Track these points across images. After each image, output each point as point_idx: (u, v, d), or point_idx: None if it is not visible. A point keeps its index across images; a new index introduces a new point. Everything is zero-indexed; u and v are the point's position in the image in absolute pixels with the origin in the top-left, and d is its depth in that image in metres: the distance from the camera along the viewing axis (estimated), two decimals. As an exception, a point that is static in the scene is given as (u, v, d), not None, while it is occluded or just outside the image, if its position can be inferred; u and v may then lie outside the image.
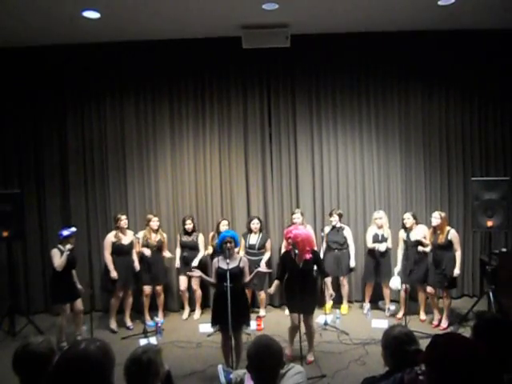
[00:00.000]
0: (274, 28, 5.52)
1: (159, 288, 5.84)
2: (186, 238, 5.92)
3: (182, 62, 6.23)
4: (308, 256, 4.40)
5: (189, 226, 5.88)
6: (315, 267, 4.57)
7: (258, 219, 5.97)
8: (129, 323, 5.68)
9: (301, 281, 4.31)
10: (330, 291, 5.25)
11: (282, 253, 5.10)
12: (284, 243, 5.71)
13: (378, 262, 5.76)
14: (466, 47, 6.12)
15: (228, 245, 4.20)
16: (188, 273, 4.84)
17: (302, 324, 4.47)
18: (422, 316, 5.61)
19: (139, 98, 6.31)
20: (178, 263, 5.92)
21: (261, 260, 5.85)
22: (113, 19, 5.20)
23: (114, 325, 5.57)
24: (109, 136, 6.32)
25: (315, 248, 4.61)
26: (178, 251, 5.94)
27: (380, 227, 5.79)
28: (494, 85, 6.23)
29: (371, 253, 5.82)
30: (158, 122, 6.35)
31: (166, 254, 5.85)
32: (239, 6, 4.98)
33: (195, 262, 5.77)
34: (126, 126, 6.32)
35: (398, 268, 5.53)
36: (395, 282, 5.46)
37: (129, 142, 6.33)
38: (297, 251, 4.33)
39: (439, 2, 5.01)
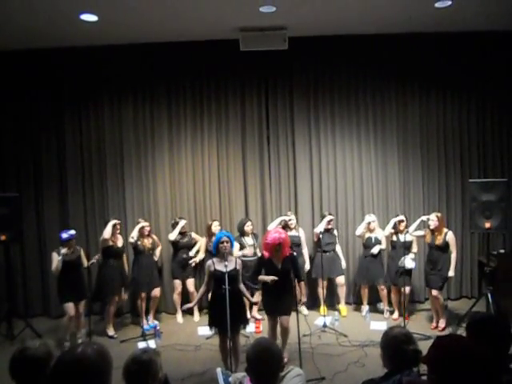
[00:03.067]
0: (272, 30, 5.52)
1: (156, 291, 5.82)
2: (181, 239, 5.91)
3: (180, 64, 6.23)
4: (288, 252, 4.38)
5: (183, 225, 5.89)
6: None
7: (250, 220, 5.96)
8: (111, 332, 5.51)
9: (280, 282, 4.30)
10: (300, 296, 4.96)
11: (258, 258, 4.97)
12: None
13: (370, 264, 5.80)
14: (464, 49, 6.14)
15: (225, 244, 4.19)
16: (183, 308, 4.84)
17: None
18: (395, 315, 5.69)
19: (137, 100, 6.31)
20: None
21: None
22: (110, 22, 5.19)
23: (111, 332, 5.48)
24: (107, 139, 6.31)
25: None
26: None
27: (372, 230, 5.81)
28: (492, 86, 6.26)
29: (365, 254, 5.88)
30: (155, 125, 6.34)
31: (157, 253, 5.91)
32: (237, 9, 4.98)
33: (192, 252, 5.93)
34: (123, 128, 6.31)
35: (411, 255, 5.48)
36: (409, 261, 5.38)
37: (127, 144, 6.33)
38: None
39: (436, 4, 5.02)
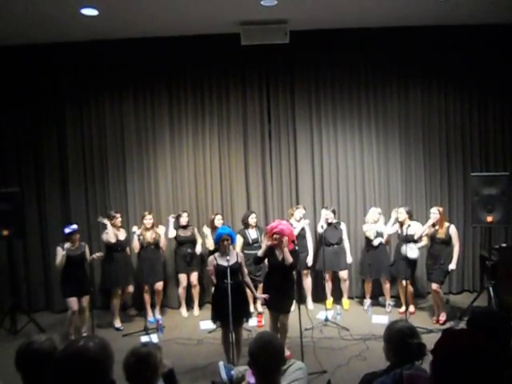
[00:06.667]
0: (273, 24, 5.50)
1: (159, 285, 5.85)
2: (183, 233, 5.90)
3: (181, 58, 6.22)
4: (291, 247, 4.39)
5: (185, 218, 5.89)
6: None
7: (254, 213, 5.97)
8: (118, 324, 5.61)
9: (281, 276, 4.33)
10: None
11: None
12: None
13: (372, 258, 5.79)
14: (466, 42, 6.10)
15: (225, 242, 4.23)
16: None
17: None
18: (402, 309, 5.57)
19: (138, 95, 6.30)
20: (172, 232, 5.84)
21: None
22: (111, 16, 5.17)
23: (118, 324, 5.56)
24: (108, 133, 6.31)
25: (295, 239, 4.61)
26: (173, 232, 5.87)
27: (377, 221, 5.82)
28: (494, 79, 6.22)
29: (367, 248, 5.88)
30: (157, 119, 6.34)
31: (161, 246, 5.87)
32: (238, 3, 4.96)
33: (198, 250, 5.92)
34: (125, 122, 6.31)
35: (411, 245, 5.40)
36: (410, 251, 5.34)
37: (128, 138, 6.32)
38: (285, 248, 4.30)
39: (438, -3, 4.99)
